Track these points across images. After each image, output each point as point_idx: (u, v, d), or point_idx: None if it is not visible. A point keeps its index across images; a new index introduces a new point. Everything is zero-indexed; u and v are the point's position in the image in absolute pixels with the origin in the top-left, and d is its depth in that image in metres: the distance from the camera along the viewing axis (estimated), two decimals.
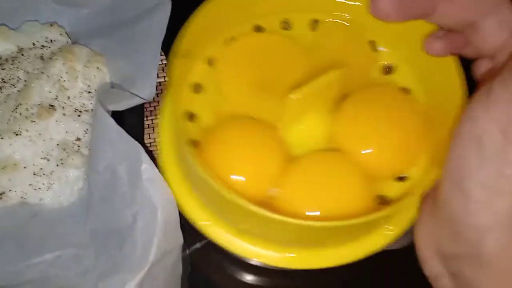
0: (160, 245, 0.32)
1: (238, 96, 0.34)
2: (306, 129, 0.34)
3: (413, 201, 0.29)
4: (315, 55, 0.36)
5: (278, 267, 0.33)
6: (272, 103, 0.33)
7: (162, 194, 0.32)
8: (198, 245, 0.42)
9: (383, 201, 0.32)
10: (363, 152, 0.33)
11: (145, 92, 0.37)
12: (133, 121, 0.35)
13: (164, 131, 0.34)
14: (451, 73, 0.30)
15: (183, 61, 0.31)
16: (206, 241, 0.41)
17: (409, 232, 0.33)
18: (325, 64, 0.33)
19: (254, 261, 0.36)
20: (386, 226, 0.32)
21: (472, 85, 0.29)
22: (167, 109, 0.35)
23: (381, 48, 0.37)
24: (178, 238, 0.33)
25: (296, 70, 0.35)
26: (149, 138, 0.41)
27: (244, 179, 0.31)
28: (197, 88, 0.35)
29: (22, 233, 0.36)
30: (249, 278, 0.41)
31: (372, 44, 0.37)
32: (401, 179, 0.33)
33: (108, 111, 0.35)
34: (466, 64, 0.31)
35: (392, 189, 0.33)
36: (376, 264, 0.34)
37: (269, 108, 0.33)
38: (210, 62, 0.35)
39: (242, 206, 0.26)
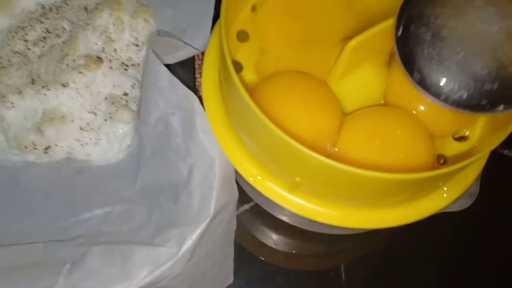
0: (218, 199, 0.30)
1: (281, 46, 0.32)
2: (358, 83, 0.32)
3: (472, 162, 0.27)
4: (358, 7, 0.34)
5: (334, 226, 0.31)
6: (318, 56, 0.32)
7: (219, 145, 0.31)
8: (246, 206, 0.40)
9: (443, 161, 0.31)
10: (421, 109, 0.31)
11: (197, 42, 0.35)
12: (185, 79, 0.33)
13: (209, 79, 0.32)
14: None
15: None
16: (253, 203, 0.40)
17: (467, 195, 0.32)
18: (371, 16, 0.31)
19: (306, 218, 0.34)
20: (444, 188, 0.30)
21: None
22: (212, 50, 0.33)
23: None
24: (234, 192, 0.32)
25: (342, 22, 0.33)
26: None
27: (299, 134, 0.28)
28: (242, 35, 0.33)
29: (68, 189, 0.35)
30: (292, 242, 0.40)
31: None
32: (460, 138, 0.32)
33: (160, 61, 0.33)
34: None
35: (452, 149, 0.31)
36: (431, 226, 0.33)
37: (315, 60, 0.32)
38: (254, 8, 0.34)
39: (303, 152, 0.24)
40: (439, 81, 0.27)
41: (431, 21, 0.27)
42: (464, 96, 0.26)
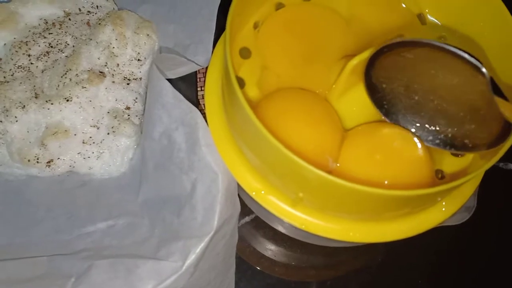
0: (222, 212, 0.30)
1: (282, 63, 0.33)
2: (359, 100, 0.32)
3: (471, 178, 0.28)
4: (357, 27, 0.34)
5: (335, 240, 0.32)
6: (319, 73, 0.32)
7: (222, 159, 0.31)
8: (247, 218, 0.41)
9: (440, 176, 0.31)
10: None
11: (200, 58, 0.35)
12: (186, 92, 0.34)
13: (212, 94, 0.33)
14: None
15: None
16: (254, 215, 0.41)
17: (464, 209, 0.32)
18: (370, 35, 0.32)
19: (307, 232, 0.35)
20: (443, 202, 0.31)
21: None
22: (215, 66, 0.33)
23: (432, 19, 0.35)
24: (236, 205, 0.32)
25: (341, 40, 0.34)
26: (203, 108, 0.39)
27: (301, 150, 0.29)
28: (244, 52, 0.34)
29: (70, 202, 0.35)
30: (292, 254, 0.40)
31: (421, 17, 0.35)
32: (457, 153, 0.32)
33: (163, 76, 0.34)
34: None
35: (449, 164, 0.32)
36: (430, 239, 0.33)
37: (316, 77, 0.32)
38: (256, 26, 0.34)
39: (305, 169, 0.25)
40: (423, 126, 0.29)
41: (399, 78, 0.29)
42: (449, 135, 0.29)
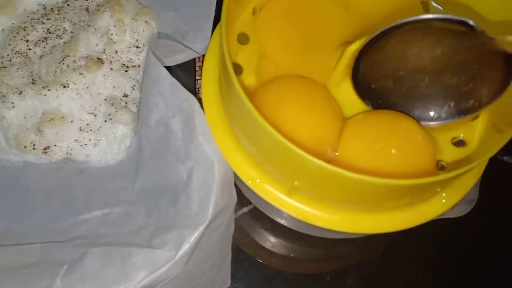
0: (217, 202, 0.30)
1: (280, 50, 0.32)
2: None
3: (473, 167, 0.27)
4: (357, 13, 0.33)
5: (333, 230, 0.31)
6: (317, 60, 0.32)
7: (218, 148, 0.31)
8: (245, 209, 0.40)
9: (441, 166, 0.31)
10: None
11: (198, 45, 0.35)
12: (185, 81, 0.33)
13: (209, 81, 0.32)
14: None
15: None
16: (252, 206, 0.40)
17: (466, 201, 0.32)
18: (370, 21, 0.32)
19: (303, 222, 0.34)
20: (443, 193, 0.30)
21: None
22: (212, 52, 0.33)
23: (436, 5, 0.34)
24: (232, 195, 0.32)
25: (341, 26, 0.33)
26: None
27: (299, 139, 0.28)
28: (242, 38, 0.33)
29: (67, 190, 0.35)
30: (290, 246, 0.40)
31: (424, 4, 0.34)
32: (459, 143, 0.31)
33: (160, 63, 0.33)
34: None
35: (450, 154, 0.31)
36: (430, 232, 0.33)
37: (314, 65, 0.32)
38: (254, 11, 0.34)
39: (302, 157, 0.24)
40: (425, 107, 0.29)
41: (383, 74, 0.29)
42: (452, 105, 0.28)
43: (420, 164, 0.30)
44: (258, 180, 0.30)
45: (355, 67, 0.29)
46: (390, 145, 0.30)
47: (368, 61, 0.29)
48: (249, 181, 0.30)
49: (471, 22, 0.26)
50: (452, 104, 0.28)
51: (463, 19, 0.26)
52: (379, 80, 0.29)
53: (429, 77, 0.28)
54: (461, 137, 0.31)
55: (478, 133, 0.31)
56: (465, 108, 0.28)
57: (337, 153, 0.30)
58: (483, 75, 0.27)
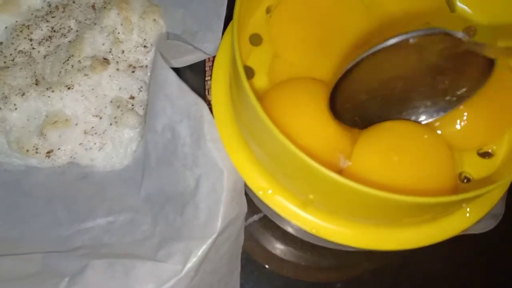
0: (226, 213, 0.28)
1: (295, 50, 0.31)
2: None
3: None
4: (378, 13, 0.32)
5: (348, 247, 0.30)
6: (334, 62, 0.30)
7: (228, 156, 0.29)
8: (255, 217, 0.39)
9: (465, 179, 0.29)
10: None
11: (208, 46, 0.33)
12: (194, 83, 0.32)
13: (219, 84, 0.31)
14: None
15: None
16: (262, 214, 0.39)
17: (490, 216, 0.30)
18: (393, 23, 0.30)
19: (317, 236, 0.32)
20: (467, 208, 0.29)
21: None
22: (223, 53, 0.31)
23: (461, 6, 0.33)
24: (243, 205, 0.30)
25: (360, 26, 0.31)
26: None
27: (310, 146, 0.27)
28: (255, 39, 0.31)
29: (71, 195, 0.34)
30: (301, 255, 0.38)
31: (449, 4, 0.33)
32: (485, 154, 0.30)
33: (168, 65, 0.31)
34: None
35: (476, 166, 0.29)
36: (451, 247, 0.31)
37: (330, 67, 0.30)
38: (268, 10, 0.32)
39: (315, 168, 0.22)
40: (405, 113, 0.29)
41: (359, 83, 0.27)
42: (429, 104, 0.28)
43: (440, 178, 0.28)
44: (270, 191, 0.28)
45: (332, 98, 0.27)
46: (408, 156, 0.28)
47: (342, 87, 0.27)
48: (260, 192, 0.28)
49: (441, 30, 0.25)
50: (429, 103, 0.28)
51: (434, 30, 0.25)
52: (354, 98, 0.28)
53: (403, 82, 0.27)
54: (488, 149, 0.29)
55: (505, 144, 0.29)
56: (453, 101, 0.27)
57: (350, 162, 0.28)
58: (459, 71, 0.26)
